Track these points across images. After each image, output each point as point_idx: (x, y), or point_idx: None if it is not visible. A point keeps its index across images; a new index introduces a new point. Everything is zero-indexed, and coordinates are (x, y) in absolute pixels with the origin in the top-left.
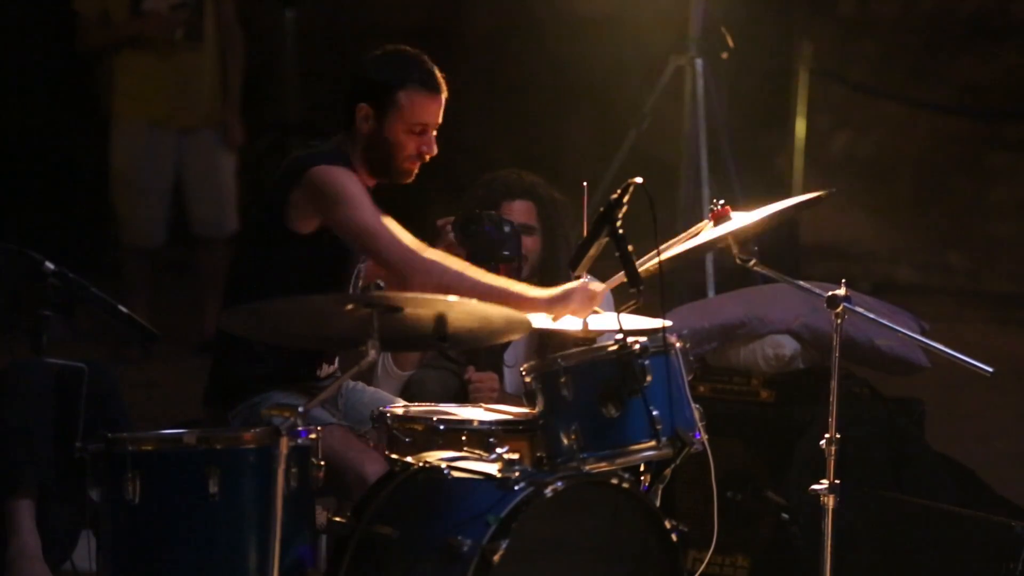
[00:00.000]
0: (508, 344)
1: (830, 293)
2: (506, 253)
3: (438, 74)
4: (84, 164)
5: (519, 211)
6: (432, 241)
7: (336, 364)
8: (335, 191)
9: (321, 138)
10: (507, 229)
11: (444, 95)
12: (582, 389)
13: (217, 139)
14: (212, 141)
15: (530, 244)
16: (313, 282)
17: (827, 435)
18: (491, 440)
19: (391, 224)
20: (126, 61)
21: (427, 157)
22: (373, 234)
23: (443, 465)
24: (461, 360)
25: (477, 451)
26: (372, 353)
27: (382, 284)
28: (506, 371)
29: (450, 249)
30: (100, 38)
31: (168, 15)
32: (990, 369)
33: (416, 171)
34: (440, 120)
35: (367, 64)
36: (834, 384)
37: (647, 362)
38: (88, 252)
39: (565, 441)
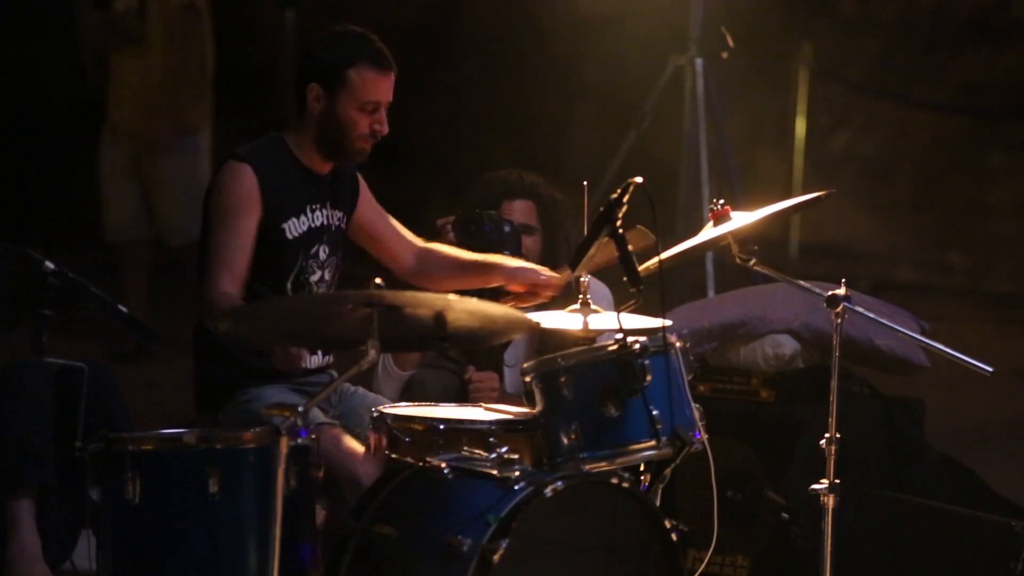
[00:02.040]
0: (508, 344)
1: (830, 293)
2: (506, 253)
3: (387, 52)
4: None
5: (519, 211)
6: (432, 240)
7: (322, 355)
8: (218, 195)
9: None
10: (507, 229)
11: (394, 72)
12: (582, 389)
13: (173, 145)
14: (168, 147)
15: (530, 244)
16: (264, 279)
17: (827, 435)
18: (491, 440)
19: (225, 250)
20: (114, 64)
21: (379, 136)
22: (204, 255)
23: (443, 465)
24: (461, 360)
25: (477, 451)
26: (372, 353)
27: (382, 284)
28: (506, 371)
29: None
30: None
31: (111, 18)
32: (990, 369)
33: (368, 150)
34: (391, 98)
35: (315, 44)
36: (834, 384)
37: (647, 362)
38: (88, 252)
39: (565, 441)
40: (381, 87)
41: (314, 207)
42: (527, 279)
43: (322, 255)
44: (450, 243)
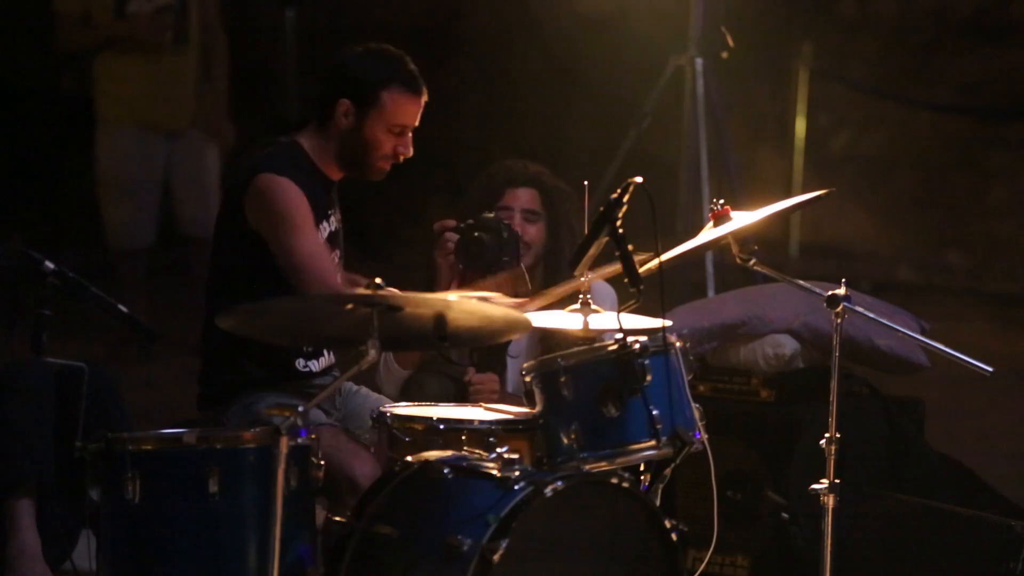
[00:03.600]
0: (508, 344)
1: (830, 293)
2: (505, 260)
3: (419, 76)
4: (81, 164)
5: (523, 198)
6: (430, 245)
7: (329, 357)
8: (276, 209)
9: (291, 131)
10: (505, 235)
11: (425, 98)
12: (582, 389)
13: (204, 140)
14: (199, 143)
15: (534, 232)
16: (281, 281)
17: (827, 435)
18: (491, 440)
19: (320, 255)
20: (110, 64)
21: (401, 158)
22: (301, 266)
23: (443, 465)
24: (462, 362)
25: (477, 451)
26: (372, 353)
27: (382, 284)
28: (509, 361)
29: (447, 258)
30: (81, 39)
31: (154, 18)
32: (990, 369)
33: (387, 170)
34: (418, 122)
35: (350, 60)
36: (834, 384)
37: (647, 362)
38: (88, 252)
39: (565, 441)
40: (411, 111)
41: (329, 213)
42: None
43: (335, 259)
44: (448, 251)
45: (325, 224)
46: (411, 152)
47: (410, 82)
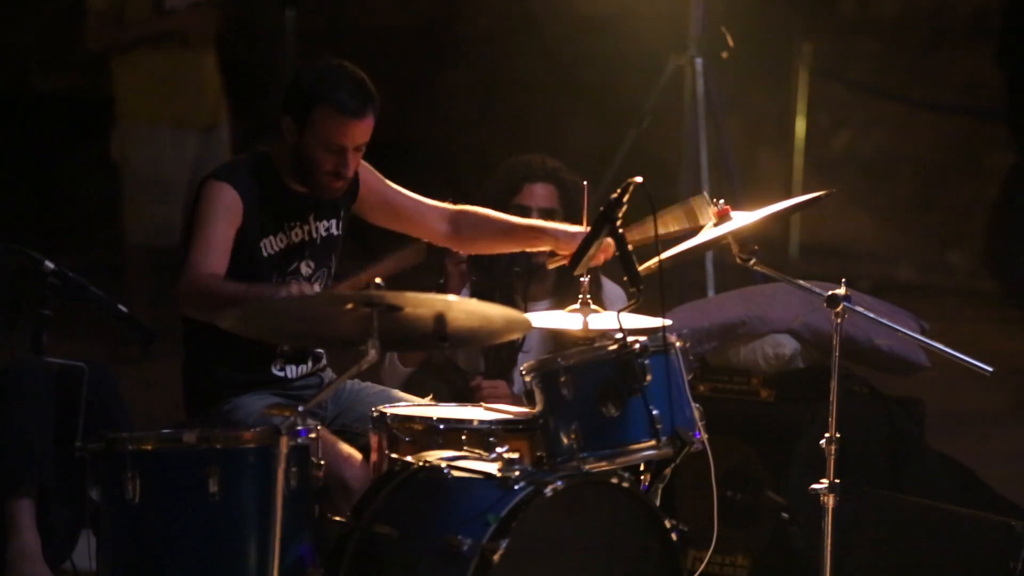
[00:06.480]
0: (517, 354)
1: (830, 292)
2: (516, 271)
3: (367, 95)
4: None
5: (540, 194)
6: (440, 251)
7: (309, 365)
8: (199, 206)
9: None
10: None
11: (367, 119)
12: (582, 388)
13: (204, 138)
14: (227, 139)
15: None
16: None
17: (827, 434)
18: (491, 440)
19: (204, 253)
20: (135, 61)
21: (345, 177)
22: (186, 255)
23: (443, 465)
24: (472, 368)
25: (477, 451)
26: (372, 353)
27: (381, 283)
28: (521, 357)
29: (458, 266)
30: (117, 36)
31: (193, 12)
32: (990, 369)
33: (338, 187)
34: (361, 141)
35: (298, 74)
36: (834, 383)
37: (647, 361)
38: (88, 252)
39: (565, 440)
40: (345, 132)
41: (292, 224)
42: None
43: (305, 270)
44: (460, 260)
45: (282, 235)
46: (351, 173)
47: (345, 103)
